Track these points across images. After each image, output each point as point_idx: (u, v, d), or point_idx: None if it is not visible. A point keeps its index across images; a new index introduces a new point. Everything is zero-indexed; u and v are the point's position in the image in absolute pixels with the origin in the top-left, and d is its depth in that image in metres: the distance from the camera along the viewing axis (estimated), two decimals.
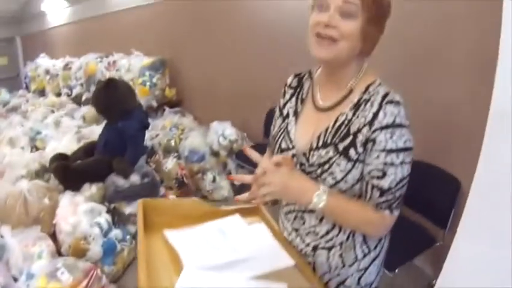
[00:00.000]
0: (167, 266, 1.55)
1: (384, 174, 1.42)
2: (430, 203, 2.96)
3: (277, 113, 1.78)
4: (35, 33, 11.57)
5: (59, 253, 3.37)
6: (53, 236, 3.50)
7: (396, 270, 2.68)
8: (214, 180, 4.89)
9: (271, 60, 4.77)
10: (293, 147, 1.60)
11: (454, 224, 2.73)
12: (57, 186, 4.01)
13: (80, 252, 3.31)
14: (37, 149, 5.36)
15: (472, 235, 1.53)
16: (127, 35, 7.58)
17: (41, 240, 3.28)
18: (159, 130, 5.53)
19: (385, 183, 1.43)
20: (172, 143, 5.21)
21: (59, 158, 4.31)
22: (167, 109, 6.15)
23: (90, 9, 8.61)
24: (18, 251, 3.10)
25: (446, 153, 3.05)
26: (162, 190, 4.31)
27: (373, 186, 1.45)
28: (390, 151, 1.40)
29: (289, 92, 1.75)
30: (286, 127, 1.67)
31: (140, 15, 7.18)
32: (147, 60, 6.34)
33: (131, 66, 6.49)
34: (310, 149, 1.53)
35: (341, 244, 1.60)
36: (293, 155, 1.59)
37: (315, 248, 1.64)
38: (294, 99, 1.71)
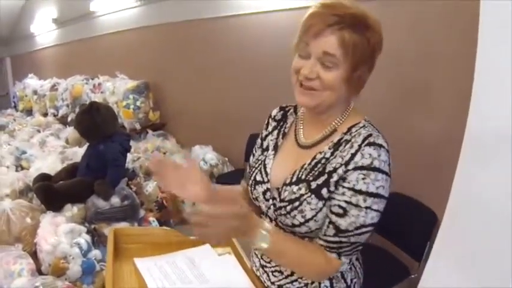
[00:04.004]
0: None
1: (344, 214, 1.33)
2: (406, 234, 2.93)
3: (258, 143, 1.72)
4: (24, 54, 11.61)
5: (39, 272, 3.40)
6: (34, 255, 3.55)
7: None
8: (194, 203, 4.92)
9: (254, 86, 4.85)
10: (268, 181, 1.54)
11: (428, 256, 2.70)
12: (39, 206, 4.07)
13: (59, 271, 3.36)
14: (22, 168, 5.42)
15: (440, 270, 1.63)
16: (113, 57, 7.65)
17: (22, 258, 3.32)
18: (141, 153, 5.56)
19: (343, 222, 1.33)
20: None
21: (43, 178, 4.37)
22: (150, 132, 6.22)
23: (77, 32, 8.69)
24: None
25: (425, 186, 3.04)
26: (142, 212, 4.34)
27: (330, 222, 1.37)
28: (359, 192, 1.31)
29: (273, 124, 1.68)
30: (264, 160, 1.61)
31: (125, 39, 7.27)
32: (131, 84, 6.39)
33: (115, 89, 6.54)
34: (284, 184, 1.47)
35: (306, 286, 1.53)
36: (267, 189, 1.54)
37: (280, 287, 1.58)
38: (276, 132, 1.65)
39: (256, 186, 1.59)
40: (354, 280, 1.59)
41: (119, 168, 4.33)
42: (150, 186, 4.70)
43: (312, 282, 1.52)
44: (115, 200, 4.08)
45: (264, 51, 4.61)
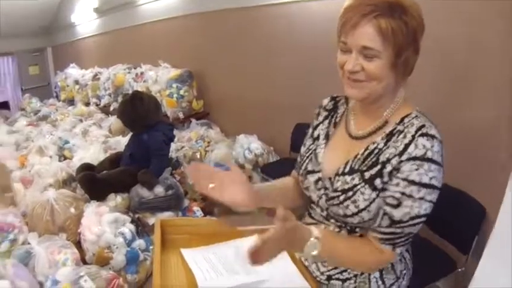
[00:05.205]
0: (183, 285, 1.55)
1: (398, 204, 1.35)
2: (454, 227, 2.87)
3: (308, 133, 1.74)
4: (65, 43, 11.70)
5: (83, 261, 3.41)
6: (78, 244, 3.55)
7: None
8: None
9: (300, 75, 4.77)
10: (319, 170, 1.57)
11: (476, 250, 2.67)
12: (83, 196, 4.07)
13: (104, 261, 3.36)
14: (65, 158, 5.44)
15: (495, 267, 1.52)
16: (155, 46, 7.63)
17: (66, 248, 3.31)
18: (185, 142, 5.54)
19: (397, 214, 1.36)
20: (198, 155, 5.20)
21: (86, 168, 4.39)
22: (193, 121, 6.17)
23: (119, 21, 8.69)
24: (44, 258, 3.14)
25: (474, 179, 2.96)
26: (186, 202, 4.31)
27: (385, 213, 1.39)
28: (412, 182, 1.32)
29: (324, 114, 1.71)
30: (315, 149, 1.63)
31: (168, 27, 7.22)
32: (175, 72, 6.35)
33: (158, 78, 6.51)
34: (336, 174, 1.49)
35: (355, 277, 1.55)
36: (318, 179, 1.56)
37: (329, 278, 1.59)
38: (327, 122, 1.67)
39: (308, 176, 1.61)
40: (404, 272, 1.62)
41: (163, 158, 4.32)
42: None
43: (362, 273, 1.55)
44: (159, 190, 4.05)
45: (309, 39, 4.54)
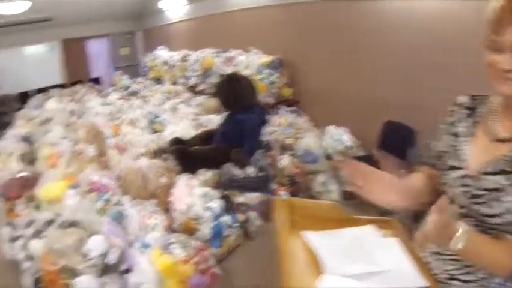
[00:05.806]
0: (305, 267, 1.56)
1: None
2: None
3: (444, 129, 1.70)
4: (154, 28, 12.07)
5: (170, 229, 3.49)
6: (166, 213, 3.64)
7: None
8: (324, 183, 4.85)
9: (394, 73, 4.67)
10: (462, 167, 1.53)
11: None
12: (174, 167, 4.15)
13: (190, 231, 3.46)
14: (155, 131, 5.59)
15: None
16: (244, 33, 7.67)
17: (156, 214, 3.44)
18: (275, 127, 5.55)
19: None
20: (288, 141, 5.19)
21: (178, 142, 4.53)
22: (283, 107, 6.19)
23: (209, 8, 8.80)
24: (136, 220, 3.27)
25: None
26: (273, 186, 4.32)
27: None
28: None
29: (462, 112, 1.65)
30: (457, 146, 1.60)
31: (259, 16, 7.24)
32: (266, 59, 6.37)
33: (250, 63, 6.56)
34: (482, 173, 1.45)
35: (477, 281, 1.49)
36: (462, 176, 1.52)
37: (451, 277, 1.55)
38: (470, 120, 1.62)
39: (450, 172, 1.57)
40: None
41: (256, 139, 4.37)
42: (285, 161, 4.66)
43: (484, 278, 1.48)
44: (251, 170, 4.10)
45: (405, 36, 4.46)
